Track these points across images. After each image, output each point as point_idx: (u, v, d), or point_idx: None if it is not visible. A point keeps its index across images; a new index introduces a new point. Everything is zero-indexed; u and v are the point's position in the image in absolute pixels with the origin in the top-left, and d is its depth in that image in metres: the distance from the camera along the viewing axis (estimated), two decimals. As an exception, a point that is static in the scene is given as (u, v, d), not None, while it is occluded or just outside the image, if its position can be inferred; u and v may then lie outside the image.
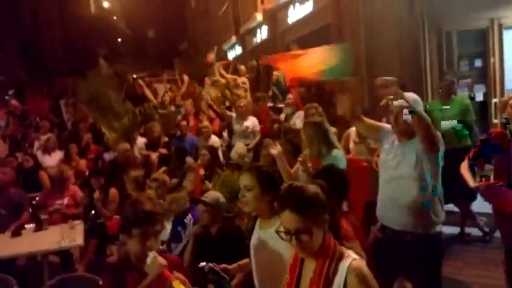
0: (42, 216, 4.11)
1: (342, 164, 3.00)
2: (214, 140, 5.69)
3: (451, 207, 4.44)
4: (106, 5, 23.04)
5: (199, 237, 3.04)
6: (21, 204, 4.39)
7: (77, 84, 7.05)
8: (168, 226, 3.41)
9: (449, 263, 3.68)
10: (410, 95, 2.44)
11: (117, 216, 4.44)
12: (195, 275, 2.17)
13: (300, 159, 3.02)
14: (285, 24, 8.39)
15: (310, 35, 7.42)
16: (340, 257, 1.41)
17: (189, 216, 3.36)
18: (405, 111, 2.25)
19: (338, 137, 4.12)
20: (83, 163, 5.96)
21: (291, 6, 7.94)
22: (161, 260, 1.67)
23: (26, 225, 4.09)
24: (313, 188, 1.46)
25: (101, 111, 6.59)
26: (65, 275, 2.99)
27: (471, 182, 2.70)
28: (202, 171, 4.62)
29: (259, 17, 9.60)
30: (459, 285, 3.45)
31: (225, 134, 6.32)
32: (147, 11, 21.82)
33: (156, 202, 1.93)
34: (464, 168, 2.81)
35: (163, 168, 5.12)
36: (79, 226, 3.94)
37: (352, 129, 4.09)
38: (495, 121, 5.11)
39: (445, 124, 4.19)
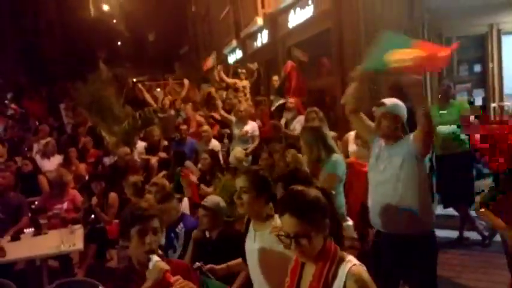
0: (42, 221, 4.10)
1: (342, 169, 3.01)
2: (214, 144, 5.69)
3: (450, 211, 4.45)
4: (106, 8, 23.10)
5: (200, 241, 3.03)
6: (20, 209, 4.39)
7: (77, 87, 7.07)
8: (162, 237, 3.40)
9: (448, 267, 3.68)
10: (392, 100, 2.49)
11: (117, 221, 4.44)
12: None
13: None
14: (286, 29, 8.42)
15: (311, 39, 7.44)
16: (340, 261, 1.41)
17: (181, 225, 3.35)
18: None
19: (338, 140, 4.14)
20: (82, 167, 5.95)
21: (292, 11, 7.97)
22: (163, 265, 1.66)
23: (25, 230, 4.09)
24: (313, 192, 1.47)
25: (101, 115, 6.61)
26: (64, 280, 2.97)
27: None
28: (194, 178, 4.63)
29: (259, 21, 9.63)
30: (459, 289, 3.45)
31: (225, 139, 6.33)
32: (147, 14, 21.88)
33: (152, 204, 1.98)
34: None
35: (163, 173, 5.12)
36: (79, 231, 3.93)
37: (351, 134, 4.10)
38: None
39: (445, 129, 4.21)
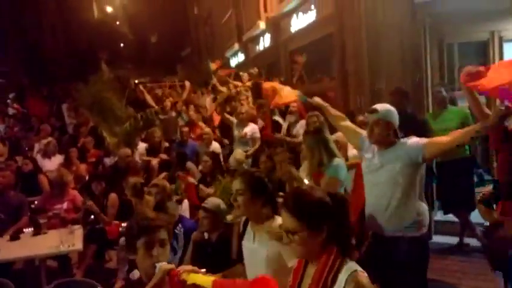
0: (41, 221, 4.09)
1: (343, 173, 3.01)
2: (215, 146, 5.70)
3: (450, 217, 4.44)
4: (109, 9, 23.18)
5: (199, 243, 3.03)
6: (20, 208, 4.38)
7: (78, 88, 7.08)
8: None
9: (448, 273, 3.67)
10: (385, 106, 2.50)
11: (117, 222, 4.44)
12: None
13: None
14: (288, 33, 8.45)
15: (313, 43, 7.47)
16: (341, 267, 1.40)
17: (179, 226, 3.35)
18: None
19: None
20: (83, 167, 5.95)
21: (294, 15, 8.00)
22: (167, 266, 1.59)
23: (24, 229, 4.08)
24: (318, 195, 1.47)
25: (103, 116, 6.61)
26: (63, 280, 2.96)
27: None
28: (192, 179, 4.63)
29: (262, 25, 9.67)
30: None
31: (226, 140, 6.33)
32: (150, 16, 21.96)
33: (159, 215, 1.92)
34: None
35: (164, 174, 5.12)
36: (78, 231, 3.92)
37: None
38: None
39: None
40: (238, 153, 4.97)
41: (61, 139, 7.37)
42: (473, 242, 4.25)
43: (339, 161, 3.04)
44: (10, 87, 13.19)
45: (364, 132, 2.65)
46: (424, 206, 2.51)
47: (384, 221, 2.43)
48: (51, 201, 4.50)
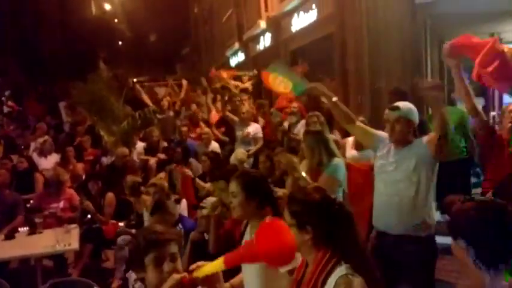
0: (37, 220, 4.04)
1: (342, 173, 2.98)
2: (214, 145, 5.67)
3: (447, 217, 4.41)
4: (108, 7, 23.09)
5: (198, 243, 3.00)
6: (15, 207, 4.34)
7: (76, 87, 7.04)
8: None
9: (445, 273, 3.66)
10: (406, 104, 2.49)
11: (114, 221, 4.40)
12: None
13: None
14: (289, 32, 8.42)
15: (314, 43, 7.44)
16: (333, 270, 1.40)
17: (179, 226, 3.32)
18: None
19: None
20: (79, 166, 5.90)
21: (295, 14, 7.97)
22: (177, 275, 1.40)
23: (19, 228, 4.04)
24: (308, 196, 1.50)
25: (100, 115, 6.57)
26: (59, 279, 2.93)
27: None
28: (188, 171, 4.60)
29: (262, 24, 9.64)
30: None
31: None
32: (149, 14, 21.88)
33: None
34: None
35: (162, 173, 5.07)
36: (74, 230, 3.88)
37: (349, 139, 4.08)
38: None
39: None
40: (240, 152, 4.94)
41: (57, 138, 7.32)
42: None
43: (338, 160, 3.01)
44: (6, 85, 13.12)
45: (379, 133, 2.63)
46: (433, 207, 2.50)
47: (395, 219, 2.42)
48: (47, 200, 4.46)
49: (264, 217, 1.95)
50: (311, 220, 1.45)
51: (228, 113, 5.95)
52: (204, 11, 17.15)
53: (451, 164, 4.20)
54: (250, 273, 1.97)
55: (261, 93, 8.56)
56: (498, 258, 1.28)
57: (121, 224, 4.36)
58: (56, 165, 5.55)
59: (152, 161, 5.66)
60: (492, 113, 5.54)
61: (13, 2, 18.12)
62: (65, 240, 3.59)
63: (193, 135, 6.32)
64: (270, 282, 1.53)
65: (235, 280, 2.15)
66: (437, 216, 4.54)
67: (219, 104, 7.33)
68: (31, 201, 4.68)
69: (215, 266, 1.34)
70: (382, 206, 2.49)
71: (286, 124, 5.49)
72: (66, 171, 5.06)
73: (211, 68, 8.89)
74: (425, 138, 2.44)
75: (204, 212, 2.86)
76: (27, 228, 4.00)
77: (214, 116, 7.29)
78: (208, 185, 4.25)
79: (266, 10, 9.49)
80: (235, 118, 5.80)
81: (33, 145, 6.62)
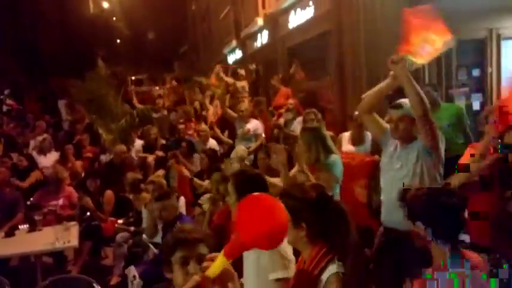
0: (37, 217, 4.06)
1: (339, 169, 3.00)
2: (212, 143, 5.68)
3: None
4: (106, 5, 23.00)
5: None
6: (15, 205, 4.36)
7: (74, 85, 7.04)
8: (159, 235, 3.38)
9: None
10: (407, 101, 2.47)
11: (113, 219, 4.42)
12: None
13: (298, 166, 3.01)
14: (286, 29, 8.42)
15: (311, 40, 7.44)
16: (326, 266, 1.42)
17: (178, 224, 3.32)
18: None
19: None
20: (78, 164, 5.92)
21: (292, 12, 7.97)
22: (197, 277, 1.30)
23: (19, 226, 4.05)
24: (310, 195, 1.50)
25: (99, 113, 6.58)
26: (58, 276, 2.95)
27: None
28: (186, 172, 4.62)
29: (260, 21, 9.63)
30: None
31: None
32: (147, 12, 21.81)
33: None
34: None
35: (161, 171, 5.09)
36: (74, 227, 3.90)
37: (345, 134, 4.10)
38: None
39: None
40: (240, 149, 4.95)
41: (56, 136, 7.32)
42: (467, 238, 4.26)
43: (335, 157, 3.03)
44: (5, 84, 13.10)
45: (389, 127, 2.61)
46: None
47: (403, 215, 2.43)
48: (46, 198, 4.48)
49: None
50: (306, 217, 1.46)
51: (227, 110, 5.96)
52: (202, 8, 17.11)
53: (448, 161, 4.22)
54: (247, 266, 1.98)
55: (258, 90, 8.57)
56: (451, 234, 1.54)
57: (120, 221, 4.38)
58: (55, 163, 5.57)
59: (150, 158, 5.68)
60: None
61: (12, 1, 18.05)
62: (65, 237, 3.61)
63: (190, 131, 6.33)
64: (268, 280, 1.54)
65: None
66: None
67: (217, 102, 7.33)
68: (31, 199, 4.70)
69: (220, 261, 1.22)
70: (390, 203, 2.46)
71: (282, 121, 5.51)
72: (65, 169, 5.08)
73: (210, 66, 8.89)
74: None
75: (205, 207, 2.88)
76: (27, 225, 4.02)
77: (213, 114, 7.30)
78: (206, 183, 4.27)
79: (263, 7, 9.49)
80: (234, 114, 5.81)
81: (32, 143, 6.63)
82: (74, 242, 3.66)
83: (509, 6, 5.18)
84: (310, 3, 7.19)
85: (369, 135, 3.92)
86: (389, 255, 2.42)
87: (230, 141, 5.83)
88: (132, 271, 3.24)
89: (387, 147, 2.57)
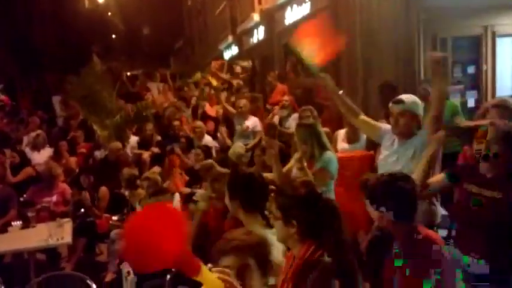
0: (30, 214, 4.03)
1: (334, 166, 3.00)
2: (207, 139, 5.66)
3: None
4: (100, 0, 22.79)
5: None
6: (8, 201, 4.32)
7: (69, 80, 6.98)
8: None
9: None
10: (410, 97, 2.51)
11: (107, 215, 4.40)
12: None
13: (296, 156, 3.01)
14: (282, 25, 8.39)
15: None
16: (314, 265, 1.43)
17: None
18: None
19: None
20: (72, 160, 5.87)
21: (289, 7, 7.94)
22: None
23: (12, 223, 4.02)
24: (300, 192, 1.52)
25: (94, 109, 6.53)
26: (52, 273, 2.93)
27: None
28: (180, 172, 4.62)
29: (256, 17, 9.59)
30: None
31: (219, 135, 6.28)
32: (143, 7, 21.64)
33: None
34: None
35: (157, 168, 5.07)
36: (67, 224, 3.88)
37: (341, 132, 4.10)
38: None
39: None
40: (238, 146, 4.94)
41: (50, 132, 7.26)
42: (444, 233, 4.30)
43: (330, 154, 3.03)
44: (-1, 79, 12.94)
45: (382, 126, 2.65)
46: (435, 196, 2.52)
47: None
48: (40, 195, 4.44)
49: (250, 216, 1.95)
50: (296, 214, 1.47)
51: (226, 106, 5.93)
52: (198, 4, 16.99)
53: (443, 157, 4.24)
54: None
55: (255, 86, 8.54)
56: (408, 215, 1.73)
57: (114, 217, 4.36)
58: (48, 159, 5.52)
59: (146, 154, 5.65)
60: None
61: (5, -5, 17.83)
62: (58, 234, 3.59)
63: (186, 127, 6.31)
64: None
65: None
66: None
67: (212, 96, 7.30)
68: (24, 196, 4.66)
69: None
70: None
71: (276, 118, 5.50)
72: (59, 165, 5.03)
73: (206, 62, 8.85)
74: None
75: (200, 206, 2.87)
76: (20, 222, 3.98)
77: (209, 110, 7.27)
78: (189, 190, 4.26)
79: (259, 3, 9.44)
80: (232, 110, 5.79)
81: (25, 139, 6.56)
82: (68, 238, 3.64)
83: (504, 4, 5.19)
84: (307, -1, 7.18)
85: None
86: (381, 248, 2.44)
87: (230, 142, 5.82)
88: (127, 267, 3.22)
89: (383, 143, 2.58)
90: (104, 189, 4.49)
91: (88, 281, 2.69)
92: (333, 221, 1.47)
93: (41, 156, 5.93)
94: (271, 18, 8.97)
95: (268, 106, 6.40)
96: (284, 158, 3.24)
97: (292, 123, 5.17)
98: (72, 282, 2.80)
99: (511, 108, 2.84)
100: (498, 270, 1.90)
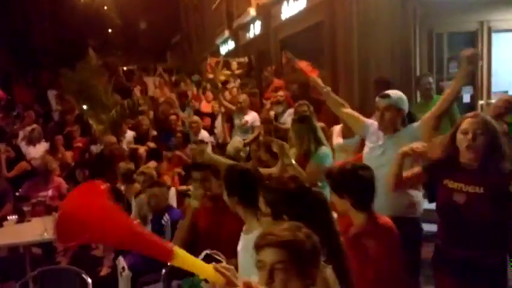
0: (26, 208, 4.03)
1: (329, 161, 3.02)
2: (204, 134, 5.66)
3: (433, 205, 4.50)
4: (97, -6, 22.55)
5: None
6: (4, 195, 4.32)
7: (65, 75, 6.95)
8: (148, 227, 3.37)
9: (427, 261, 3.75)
10: (396, 92, 2.53)
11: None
12: None
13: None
14: (278, 20, 8.36)
15: (304, 31, 7.40)
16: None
17: (166, 216, 3.29)
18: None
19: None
20: (68, 155, 5.86)
21: (285, 2, 7.91)
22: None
23: (8, 217, 4.02)
24: (289, 187, 1.54)
25: (89, 103, 6.51)
26: (47, 267, 2.94)
27: None
28: (179, 170, 4.62)
29: (252, 12, 9.54)
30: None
31: (216, 130, 6.28)
32: (139, 2, 21.47)
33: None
34: None
35: (153, 163, 5.07)
36: (63, 218, 3.87)
37: (337, 127, 4.11)
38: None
39: None
40: (237, 141, 4.94)
41: (46, 126, 7.23)
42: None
43: (325, 149, 3.04)
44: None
45: (367, 120, 2.68)
46: (418, 192, 2.55)
47: (386, 202, 2.43)
48: (35, 189, 4.44)
49: (247, 213, 1.96)
50: (286, 209, 1.47)
51: (225, 102, 5.93)
52: (194, -2, 16.87)
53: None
54: (244, 258, 1.96)
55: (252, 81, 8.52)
56: (367, 201, 1.88)
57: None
58: (44, 153, 5.50)
59: (142, 149, 5.64)
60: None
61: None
62: (54, 228, 3.59)
63: (180, 122, 6.31)
64: None
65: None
66: (424, 204, 4.67)
67: (209, 94, 7.30)
68: (20, 190, 4.65)
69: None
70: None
71: (272, 113, 5.50)
72: (55, 159, 5.03)
73: (203, 57, 8.81)
74: (416, 124, 2.48)
75: (193, 205, 2.86)
76: (16, 216, 3.99)
77: (205, 106, 7.27)
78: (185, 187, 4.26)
79: (256, -3, 9.39)
80: (231, 106, 5.79)
81: (21, 134, 6.54)
82: (64, 233, 3.63)
83: (500, -1, 5.20)
84: (303, -7, 7.15)
85: None
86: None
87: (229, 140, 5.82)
88: (121, 262, 3.23)
89: (368, 137, 2.63)
90: (99, 184, 4.48)
91: (83, 275, 2.70)
92: (323, 213, 1.47)
93: (37, 151, 5.91)
94: (267, 13, 8.93)
95: (264, 101, 6.40)
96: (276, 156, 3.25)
97: (287, 118, 5.18)
98: (67, 276, 2.81)
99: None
100: (487, 266, 1.93)
